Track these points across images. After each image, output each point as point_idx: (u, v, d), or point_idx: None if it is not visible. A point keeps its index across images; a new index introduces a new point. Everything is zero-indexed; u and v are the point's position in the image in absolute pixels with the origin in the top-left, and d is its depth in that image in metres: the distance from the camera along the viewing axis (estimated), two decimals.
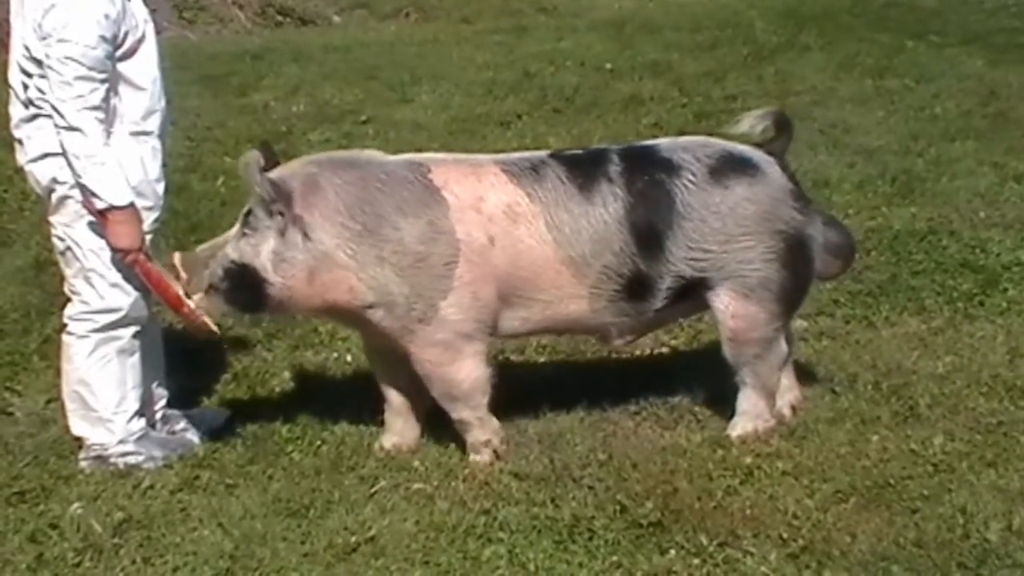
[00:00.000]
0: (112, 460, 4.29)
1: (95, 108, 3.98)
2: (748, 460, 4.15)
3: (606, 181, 4.16)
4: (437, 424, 4.39)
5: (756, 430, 4.34)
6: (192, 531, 3.90)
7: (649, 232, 4.15)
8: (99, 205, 4.03)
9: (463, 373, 4.17)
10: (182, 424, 4.51)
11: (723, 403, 4.47)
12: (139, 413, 4.33)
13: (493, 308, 4.15)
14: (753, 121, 4.37)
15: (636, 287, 4.20)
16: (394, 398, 4.40)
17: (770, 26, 11.23)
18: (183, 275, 4.10)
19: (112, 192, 4.03)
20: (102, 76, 4.00)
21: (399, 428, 4.41)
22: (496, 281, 4.12)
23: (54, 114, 3.99)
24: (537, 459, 4.25)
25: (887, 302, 5.52)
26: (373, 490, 4.10)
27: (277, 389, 4.94)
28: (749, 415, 4.38)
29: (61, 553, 3.80)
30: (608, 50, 10.73)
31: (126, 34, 4.09)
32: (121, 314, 4.22)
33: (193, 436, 4.47)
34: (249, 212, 4.07)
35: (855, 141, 7.94)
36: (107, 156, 4.03)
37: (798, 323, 5.32)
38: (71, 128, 3.96)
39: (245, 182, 4.05)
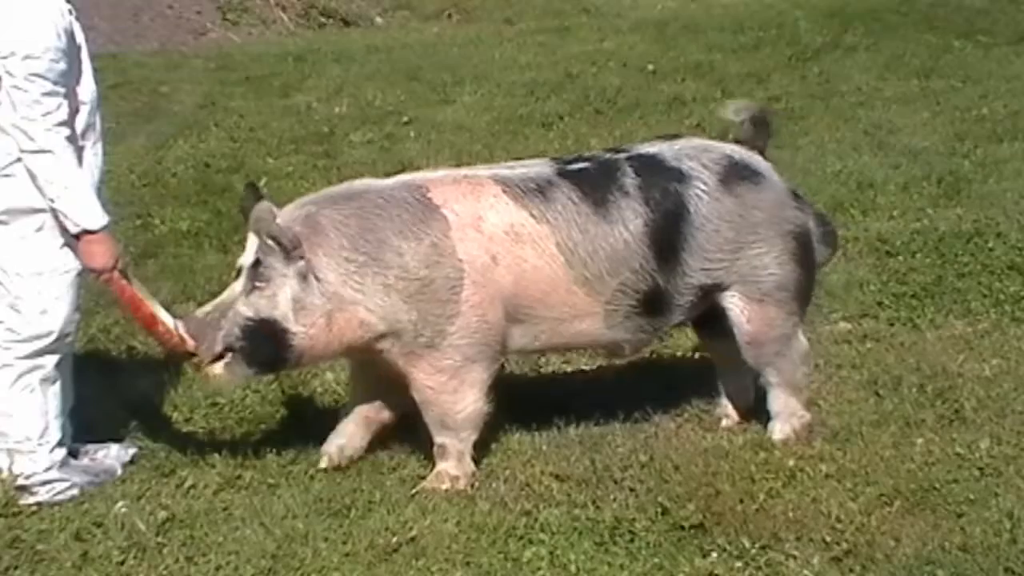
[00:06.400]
0: (35, 490, 4.14)
1: (63, 124, 3.93)
2: (791, 463, 4.13)
3: (623, 196, 4.14)
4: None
5: (794, 429, 4.33)
6: (234, 530, 3.92)
7: (667, 246, 4.14)
8: (73, 229, 3.98)
9: (462, 403, 4.13)
10: (102, 452, 4.40)
11: (765, 404, 4.43)
12: (60, 443, 4.20)
13: (500, 329, 4.11)
14: (737, 109, 4.45)
15: (652, 301, 4.18)
16: (363, 409, 4.33)
17: (814, 26, 11.14)
18: (191, 343, 3.99)
19: (86, 216, 3.98)
20: (65, 91, 3.95)
21: (350, 432, 4.34)
22: (503, 301, 4.08)
23: (21, 137, 3.92)
24: (578, 461, 4.24)
25: (932, 304, 5.47)
26: (414, 491, 4.11)
27: (319, 389, 4.95)
28: (784, 415, 4.36)
29: (106, 551, 3.83)
30: (650, 51, 10.70)
31: (72, 49, 4.02)
32: (51, 340, 4.09)
33: (114, 463, 4.37)
34: (256, 263, 3.98)
35: (900, 142, 7.88)
36: (79, 178, 3.98)
37: (841, 326, 5.31)
38: (41, 151, 3.91)
39: (257, 232, 3.97)
